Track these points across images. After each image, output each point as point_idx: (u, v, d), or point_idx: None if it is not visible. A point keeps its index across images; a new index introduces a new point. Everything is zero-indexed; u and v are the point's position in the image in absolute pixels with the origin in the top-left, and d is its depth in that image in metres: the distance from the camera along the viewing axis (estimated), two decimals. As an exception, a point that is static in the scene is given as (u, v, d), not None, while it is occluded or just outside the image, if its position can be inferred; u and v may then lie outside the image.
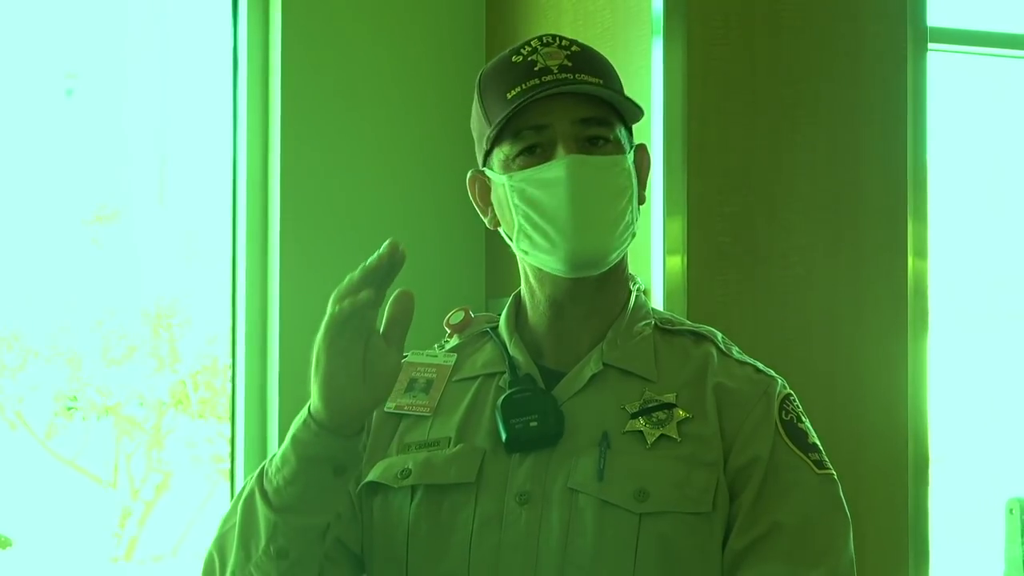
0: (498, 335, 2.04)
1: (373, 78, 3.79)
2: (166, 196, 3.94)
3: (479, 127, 1.99)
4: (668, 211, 3.11)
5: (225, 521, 1.94)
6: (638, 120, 2.00)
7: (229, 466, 3.78)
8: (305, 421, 1.81)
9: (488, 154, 1.98)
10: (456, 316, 2.12)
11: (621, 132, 1.96)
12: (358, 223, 3.74)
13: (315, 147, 3.71)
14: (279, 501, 1.84)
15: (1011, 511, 3.97)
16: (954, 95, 4.04)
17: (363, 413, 1.82)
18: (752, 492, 1.88)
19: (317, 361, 1.77)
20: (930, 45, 3.43)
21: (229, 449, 3.79)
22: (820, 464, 1.93)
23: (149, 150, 3.91)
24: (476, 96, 2.00)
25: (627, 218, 1.95)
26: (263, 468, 1.89)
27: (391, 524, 1.95)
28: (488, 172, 1.99)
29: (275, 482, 1.84)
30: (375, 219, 3.76)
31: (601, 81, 1.94)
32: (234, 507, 1.92)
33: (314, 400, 1.80)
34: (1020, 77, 4.33)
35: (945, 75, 3.84)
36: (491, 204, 2.01)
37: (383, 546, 1.96)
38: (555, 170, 1.90)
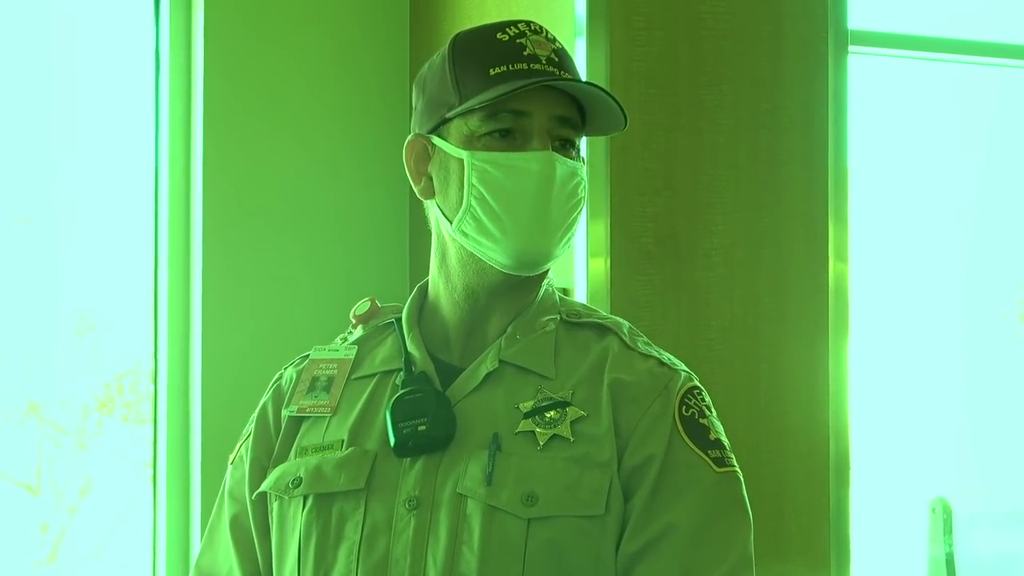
0: (400, 328, 1.98)
1: (296, 73, 3.77)
2: (88, 198, 3.91)
3: (440, 92, 1.91)
4: (591, 213, 3.11)
5: None
6: (600, 134, 1.96)
7: (152, 470, 3.76)
8: None
9: (445, 122, 1.90)
10: (362, 306, 2.06)
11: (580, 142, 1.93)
12: (281, 224, 3.72)
13: (237, 147, 3.68)
14: None
15: (934, 511, 4.01)
16: (875, 98, 4.07)
17: None
18: (646, 492, 1.82)
19: None
20: (851, 48, 3.45)
21: (152, 452, 3.76)
22: (720, 461, 1.86)
23: (70, 151, 3.87)
24: (446, 60, 1.91)
25: (574, 229, 1.90)
26: None
27: (286, 534, 1.91)
28: (438, 140, 1.91)
29: None
30: (298, 218, 3.75)
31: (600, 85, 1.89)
32: None
33: None
34: (941, 80, 4.37)
35: (866, 78, 3.86)
36: (427, 174, 1.93)
37: (280, 556, 1.91)
38: (530, 162, 1.84)
